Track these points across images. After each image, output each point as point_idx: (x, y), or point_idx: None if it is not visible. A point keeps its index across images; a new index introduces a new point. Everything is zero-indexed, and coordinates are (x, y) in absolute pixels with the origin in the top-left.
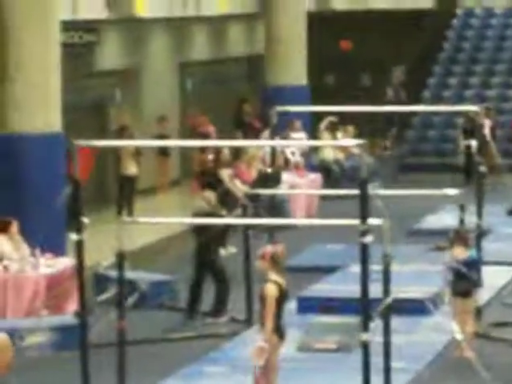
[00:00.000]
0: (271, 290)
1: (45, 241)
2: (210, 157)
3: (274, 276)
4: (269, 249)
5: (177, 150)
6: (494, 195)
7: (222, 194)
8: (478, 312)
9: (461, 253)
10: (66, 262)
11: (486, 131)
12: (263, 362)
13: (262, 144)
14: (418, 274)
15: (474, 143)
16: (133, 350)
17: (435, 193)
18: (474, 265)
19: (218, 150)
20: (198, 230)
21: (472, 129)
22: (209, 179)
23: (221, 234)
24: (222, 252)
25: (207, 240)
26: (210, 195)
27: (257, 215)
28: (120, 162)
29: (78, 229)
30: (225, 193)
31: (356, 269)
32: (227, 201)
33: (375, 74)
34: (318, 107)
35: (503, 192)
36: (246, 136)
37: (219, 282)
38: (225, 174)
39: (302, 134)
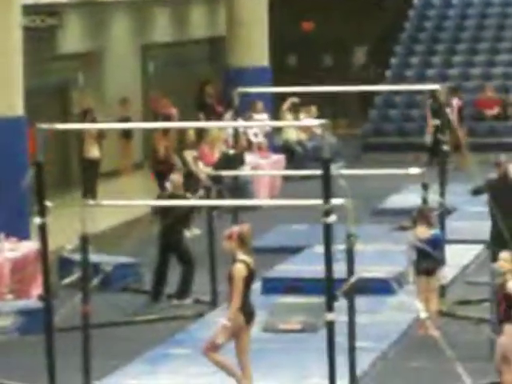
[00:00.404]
0: (240, 270)
1: (8, 225)
2: (161, 143)
3: (242, 256)
4: (235, 229)
5: (139, 133)
6: (457, 175)
7: (185, 175)
8: (443, 290)
9: (424, 232)
10: (30, 246)
11: (454, 110)
12: (223, 341)
13: (225, 125)
14: (382, 254)
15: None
16: (98, 333)
17: (398, 172)
18: (437, 243)
19: (182, 132)
20: (162, 212)
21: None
22: (158, 167)
23: (185, 216)
24: (187, 234)
25: (171, 222)
26: (177, 178)
27: (220, 196)
28: (83, 145)
29: (42, 212)
30: (188, 175)
31: (320, 249)
32: (190, 183)
33: (337, 55)
34: (280, 88)
35: (467, 172)
36: (208, 118)
37: (185, 263)
38: (189, 155)
39: (264, 116)
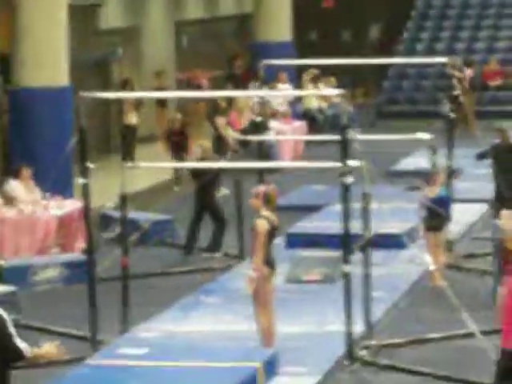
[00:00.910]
0: (262, 225)
1: (54, 185)
2: (178, 116)
3: (265, 213)
4: (262, 188)
5: (174, 102)
6: (464, 139)
7: (215, 139)
8: (450, 245)
9: (431, 191)
10: (74, 204)
11: (466, 80)
12: (253, 290)
13: (251, 95)
14: (394, 212)
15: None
16: (136, 284)
17: (410, 137)
18: (444, 202)
19: (213, 101)
20: (196, 174)
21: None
22: (175, 139)
23: (215, 178)
24: (216, 194)
25: (205, 183)
26: (206, 143)
27: (247, 159)
28: (122, 113)
29: (84, 173)
30: (219, 139)
31: (338, 207)
32: (221, 146)
33: (354, 31)
34: (302, 61)
35: (474, 137)
36: (236, 88)
37: (217, 221)
38: (220, 121)
39: (287, 86)
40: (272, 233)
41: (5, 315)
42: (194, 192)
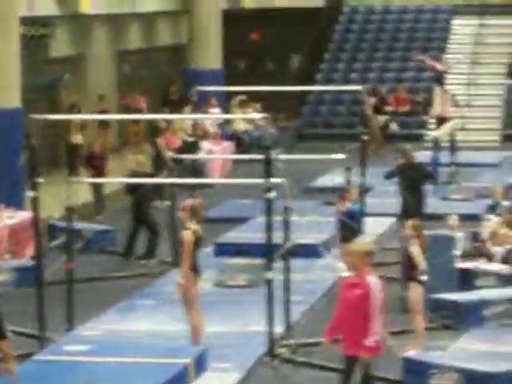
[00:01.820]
0: (188, 236)
1: (7, 197)
2: (97, 142)
3: (191, 225)
4: (188, 202)
5: (115, 123)
6: (374, 159)
7: (154, 158)
8: None
9: (341, 206)
10: (25, 215)
11: (369, 107)
12: (182, 295)
13: (185, 118)
14: (312, 224)
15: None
16: (79, 287)
17: (326, 157)
18: (353, 215)
19: (155, 122)
20: (132, 189)
21: (379, 106)
22: (95, 163)
23: (151, 192)
24: (158, 204)
25: (139, 197)
26: (143, 159)
27: (181, 176)
28: (69, 133)
29: (34, 187)
30: (157, 157)
31: (262, 220)
32: (159, 164)
33: (277, 61)
34: (231, 87)
35: (383, 158)
36: (171, 111)
37: (151, 231)
38: (160, 141)
39: (217, 110)
40: (197, 243)
41: None
42: (130, 205)
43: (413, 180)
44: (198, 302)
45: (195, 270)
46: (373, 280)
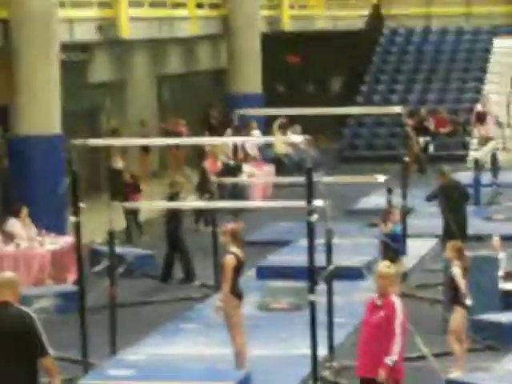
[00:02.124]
0: (229, 260)
1: (49, 223)
2: (127, 176)
3: (233, 248)
4: (230, 226)
5: (156, 148)
6: (416, 181)
7: (199, 183)
8: (404, 276)
9: (384, 228)
10: (67, 240)
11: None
12: (224, 318)
13: (226, 141)
14: (354, 246)
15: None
16: (122, 312)
17: (368, 179)
18: (398, 238)
19: (200, 148)
20: (169, 219)
21: (419, 127)
22: (128, 190)
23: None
24: (202, 228)
25: (173, 221)
26: (178, 178)
27: (222, 199)
28: (110, 158)
29: (76, 212)
30: (202, 182)
31: (304, 242)
32: (204, 188)
33: (317, 83)
34: (271, 110)
35: (425, 178)
36: (212, 135)
37: (182, 254)
38: (207, 165)
39: (258, 133)
40: (239, 267)
41: (33, 314)
42: (166, 232)
43: (454, 200)
44: (241, 325)
45: (237, 294)
46: (397, 301)
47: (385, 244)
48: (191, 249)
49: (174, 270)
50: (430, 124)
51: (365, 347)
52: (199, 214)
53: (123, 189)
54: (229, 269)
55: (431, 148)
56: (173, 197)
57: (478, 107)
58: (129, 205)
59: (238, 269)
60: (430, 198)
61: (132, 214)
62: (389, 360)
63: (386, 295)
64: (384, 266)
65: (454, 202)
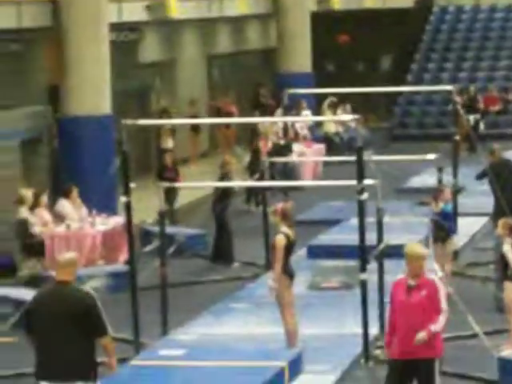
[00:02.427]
0: (280, 240)
1: (100, 203)
2: (168, 157)
3: (284, 228)
4: (280, 205)
5: (206, 127)
6: (466, 159)
7: (250, 162)
8: (456, 254)
9: (435, 206)
10: (118, 220)
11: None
12: (276, 297)
13: (276, 120)
14: (405, 225)
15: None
16: (173, 292)
17: (418, 158)
18: (449, 216)
19: (254, 126)
20: (220, 198)
21: (469, 105)
22: (168, 175)
23: (222, 195)
24: (253, 209)
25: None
26: (227, 158)
27: (273, 179)
28: (160, 138)
29: (127, 192)
30: (253, 162)
31: (355, 221)
32: (255, 167)
33: (367, 62)
34: (321, 89)
35: (475, 157)
36: (262, 114)
37: (224, 235)
38: (261, 145)
39: (308, 112)
40: (290, 246)
41: (94, 294)
42: (213, 213)
43: (504, 178)
44: (292, 305)
45: (288, 273)
46: (436, 279)
47: (436, 223)
48: (242, 229)
49: (224, 250)
50: (480, 102)
51: (406, 328)
52: (250, 193)
53: (164, 173)
54: (280, 248)
55: (481, 126)
56: (224, 177)
57: None
58: (178, 184)
59: (289, 248)
60: (479, 177)
61: (169, 200)
62: (433, 327)
63: (420, 275)
64: (416, 247)
65: (504, 180)
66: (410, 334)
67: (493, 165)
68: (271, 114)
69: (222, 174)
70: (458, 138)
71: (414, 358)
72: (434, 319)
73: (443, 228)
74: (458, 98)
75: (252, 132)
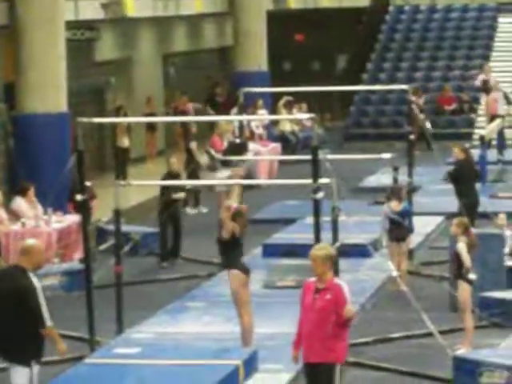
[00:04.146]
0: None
1: (55, 201)
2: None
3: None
4: (234, 205)
5: (162, 126)
6: (422, 158)
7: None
8: (410, 253)
9: (395, 205)
10: (73, 219)
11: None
12: (233, 296)
13: (232, 119)
14: (360, 224)
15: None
16: (128, 290)
17: (374, 157)
18: (406, 215)
19: (186, 126)
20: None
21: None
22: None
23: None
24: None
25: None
26: (172, 159)
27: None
28: (116, 136)
29: (82, 191)
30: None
31: (310, 220)
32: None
33: (323, 61)
34: (277, 89)
35: (431, 156)
36: (218, 113)
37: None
38: (193, 146)
39: (264, 111)
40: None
41: (37, 284)
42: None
43: (470, 178)
44: (248, 303)
45: (244, 269)
46: (340, 283)
47: (393, 222)
48: (195, 228)
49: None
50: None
51: (309, 331)
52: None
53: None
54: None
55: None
56: (172, 176)
57: (480, 77)
58: (133, 183)
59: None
60: (452, 175)
61: None
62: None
63: (327, 279)
64: (318, 249)
65: (470, 179)
66: (313, 337)
67: (463, 163)
68: (227, 112)
69: (168, 172)
70: (412, 137)
71: (315, 362)
72: (337, 324)
73: (401, 227)
74: (418, 99)
75: (184, 132)
